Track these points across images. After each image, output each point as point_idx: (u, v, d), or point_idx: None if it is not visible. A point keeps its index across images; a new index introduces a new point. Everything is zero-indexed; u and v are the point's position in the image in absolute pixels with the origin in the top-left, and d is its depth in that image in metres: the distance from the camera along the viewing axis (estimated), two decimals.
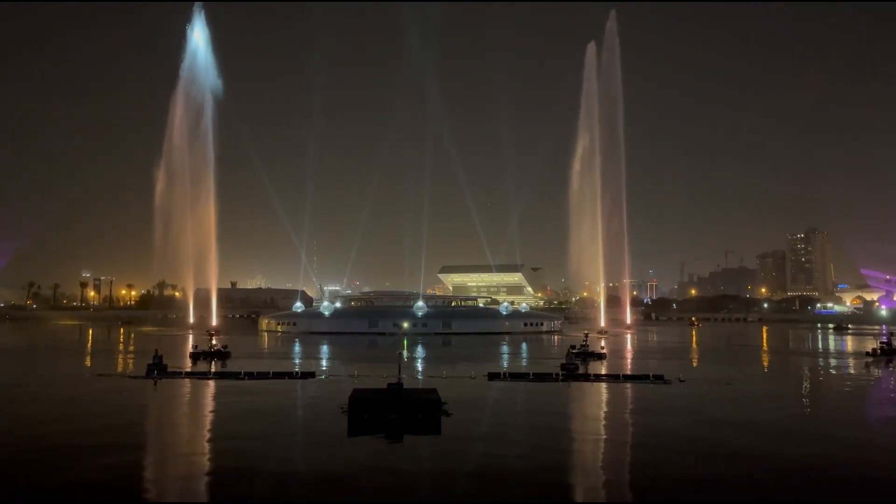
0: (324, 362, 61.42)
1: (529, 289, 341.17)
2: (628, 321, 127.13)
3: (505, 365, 58.60)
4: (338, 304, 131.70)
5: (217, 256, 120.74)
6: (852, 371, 56.06)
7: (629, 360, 63.59)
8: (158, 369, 45.42)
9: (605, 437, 27.82)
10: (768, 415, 32.79)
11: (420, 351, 73.48)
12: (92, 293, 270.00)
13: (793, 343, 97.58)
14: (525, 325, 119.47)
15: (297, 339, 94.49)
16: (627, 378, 44.78)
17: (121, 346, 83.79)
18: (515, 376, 45.41)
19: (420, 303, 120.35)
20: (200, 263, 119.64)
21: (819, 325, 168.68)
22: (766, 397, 40.30)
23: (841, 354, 75.87)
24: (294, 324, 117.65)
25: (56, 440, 25.28)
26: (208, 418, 31.89)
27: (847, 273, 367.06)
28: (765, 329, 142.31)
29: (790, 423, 30.65)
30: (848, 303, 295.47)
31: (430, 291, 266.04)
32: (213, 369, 49.86)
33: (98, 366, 56.85)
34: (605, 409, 35.60)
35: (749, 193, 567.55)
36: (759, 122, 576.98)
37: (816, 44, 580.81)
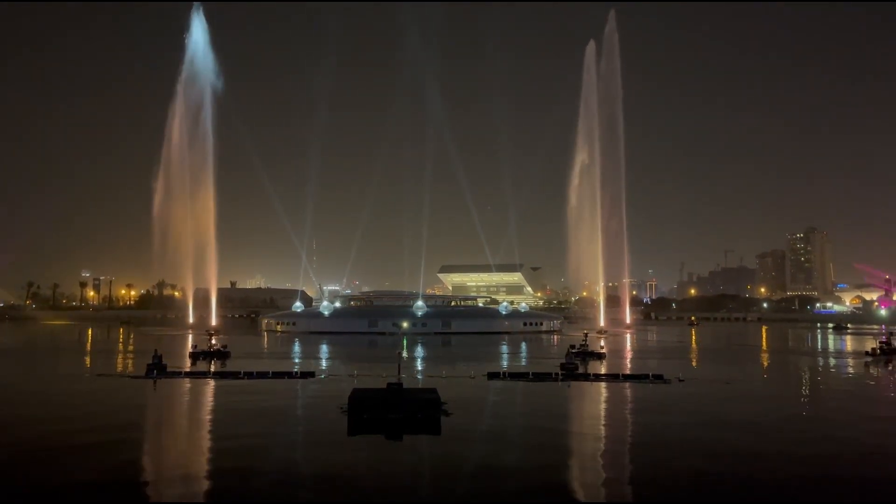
0: (323, 362, 61.42)
1: (529, 288, 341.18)
2: (628, 321, 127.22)
3: (504, 365, 58.59)
4: (337, 304, 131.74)
5: (216, 256, 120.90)
6: (852, 371, 56.07)
7: (629, 360, 63.60)
8: (158, 369, 45.39)
9: (604, 436, 27.81)
10: (768, 414, 32.77)
11: (420, 351, 73.46)
12: (91, 293, 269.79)
13: (792, 343, 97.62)
14: (524, 324, 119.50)
15: (296, 339, 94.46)
16: (627, 378, 44.80)
17: (120, 346, 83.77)
18: (515, 376, 45.42)
19: (420, 302, 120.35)
20: (200, 263, 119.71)
21: (818, 324, 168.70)
22: (766, 397, 40.34)
23: (840, 354, 75.87)
24: (294, 323, 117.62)
25: (55, 440, 25.25)
26: (207, 418, 31.87)
27: (846, 273, 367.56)
28: (764, 329, 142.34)
29: (790, 423, 30.68)
30: (847, 302, 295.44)
31: (429, 291, 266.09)
32: (212, 369, 49.85)
33: (98, 366, 56.82)
34: (604, 408, 35.61)
35: (749, 193, 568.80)
36: (760, 122, 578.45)
37: (816, 44, 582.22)
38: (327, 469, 21.68)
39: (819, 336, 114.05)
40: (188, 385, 42.32)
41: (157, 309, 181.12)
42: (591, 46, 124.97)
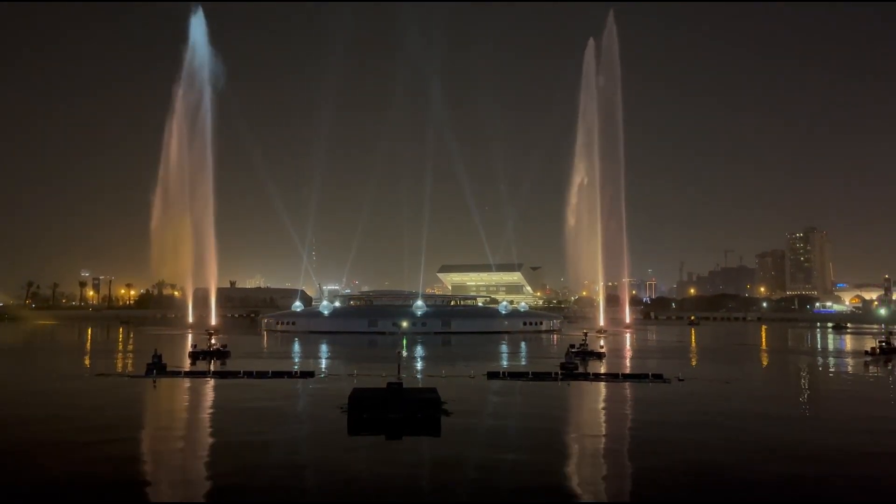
0: (323, 362, 61.42)
1: (529, 288, 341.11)
2: (627, 320, 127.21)
3: (504, 364, 58.62)
4: (337, 304, 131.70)
5: (216, 256, 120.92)
6: (851, 370, 56.09)
7: (628, 360, 63.62)
8: (158, 369, 45.40)
9: (604, 436, 27.82)
10: (768, 414, 32.82)
11: (419, 350, 73.46)
12: (91, 293, 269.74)
13: (792, 342, 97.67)
14: (524, 324, 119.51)
15: (296, 339, 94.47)
16: (627, 377, 44.81)
17: (120, 346, 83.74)
18: (515, 375, 45.42)
19: (419, 302, 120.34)
20: (199, 263, 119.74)
21: (818, 324, 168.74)
22: (766, 397, 40.34)
23: (840, 353, 75.91)
24: (293, 323, 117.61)
25: (55, 440, 25.29)
26: (207, 418, 31.86)
27: (846, 272, 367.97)
28: (764, 328, 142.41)
29: (790, 423, 30.68)
30: (847, 302, 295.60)
31: (429, 291, 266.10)
32: (212, 369, 49.82)
33: (97, 365, 56.76)
34: (603, 408, 35.60)
35: (748, 193, 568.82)
36: (760, 122, 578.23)
37: (816, 44, 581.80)
38: (327, 469, 21.68)
39: (819, 335, 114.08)
40: (188, 384, 42.32)
41: (156, 308, 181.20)
42: (590, 45, 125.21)
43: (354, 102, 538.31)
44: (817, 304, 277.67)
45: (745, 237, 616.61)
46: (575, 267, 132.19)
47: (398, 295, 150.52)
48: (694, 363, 61.53)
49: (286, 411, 33.99)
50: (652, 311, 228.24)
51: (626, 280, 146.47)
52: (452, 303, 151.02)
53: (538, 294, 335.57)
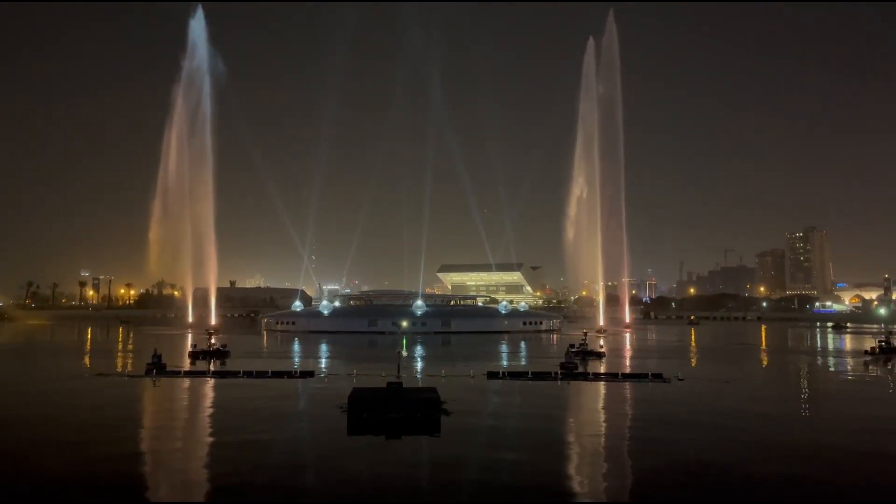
0: (323, 361, 61.42)
1: (528, 288, 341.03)
2: (627, 320, 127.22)
3: (504, 364, 58.59)
4: (337, 304, 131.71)
5: (216, 255, 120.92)
6: (851, 370, 56.10)
7: (628, 359, 63.62)
8: (157, 368, 45.40)
9: (603, 436, 27.82)
10: (768, 414, 32.80)
11: (419, 350, 73.46)
12: (91, 292, 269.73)
13: (792, 342, 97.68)
14: (524, 323, 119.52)
15: (296, 339, 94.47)
16: (626, 377, 44.81)
17: (119, 346, 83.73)
18: (514, 375, 45.40)
19: (419, 302, 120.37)
20: (199, 262, 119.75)
21: (818, 323, 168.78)
22: (766, 396, 40.33)
23: (840, 353, 75.91)
24: (293, 323, 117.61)
25: (55, 439, 25.29)
26: (206, 417, 31.84)
27: (846, 272, 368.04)
28: (764, 328, 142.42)
29: (790, 423, 30.71)
30: (847, 301, 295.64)
31: (428, 290, 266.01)
32: (211, 368, 49.81)
33: (97, 365, 56.73)
34: (603, 408, 35.62)
35: (748, 192, 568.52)
36: (760, 122, 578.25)
37: (816, 44, 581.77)
38: (327, 468, 21.68)
39: (818, 335, 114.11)
40: (188, 384, 42.32)
41: (156, 308, 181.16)
42: (590, 44, 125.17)
43: (354, 102, 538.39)
44: (817, 304, 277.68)
45: (745, 237, 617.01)
46: (575, 267, 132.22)
47: (398, 295, 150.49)
48: (694, 363, 61.51)
49: (286, 411, 33.97)
50: (652, 311, 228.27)
51: (625, 280, 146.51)
52: (452, 302, 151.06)
53: (538, 294, 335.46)
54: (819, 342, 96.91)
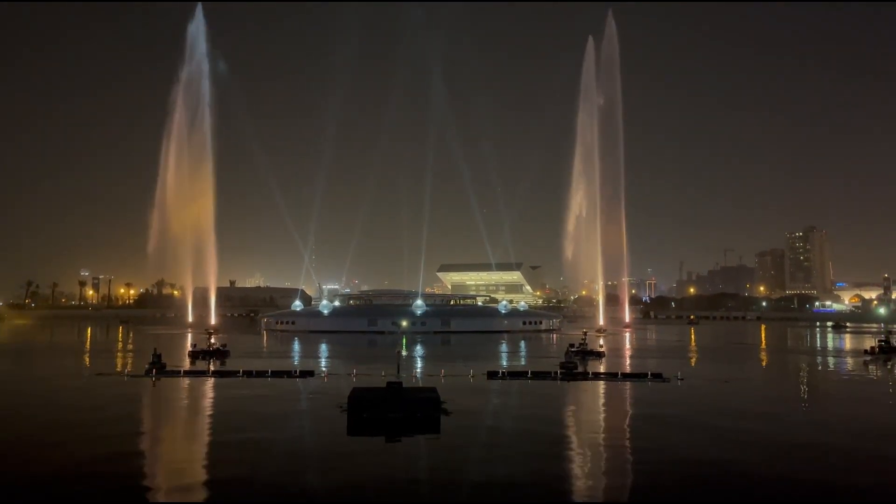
0: (323, 361, 61.38)
1: (528, 287, 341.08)
2: (627, 319, 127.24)
3: (504, 364, 58.52)
4: (337, 303, 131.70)
5: (216, 255, 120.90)
6: (851, 369, 56.11)
7: (628, 359, 63.62)
8: (157, 368, 45.38)
9: (603, 436, 27.80)
10: (768, 414, 32.81)
11: (419, 349, 73.44)
12: (90, 292, 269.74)
13: (791, 341, 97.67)
14: (524, 323, 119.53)
15: (296, 338, 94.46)
16: (626, 377, 44.80)
17: (119, 345, 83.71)
18: (514, 375, 45.34)
19: (419, 301, 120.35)
20: (199, 262, 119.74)
21: (818, 323, 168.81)
22: (766, 396, 40.29)
23: (839, 353, 75.91)
24: (293, 322, 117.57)
25: (55, 439, 25.26)
26: (206, 417, 31.84)
27: (846, 272, 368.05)
28: (763, 327, 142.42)
29: (789, 423, 30.69)
30: (846, 301, 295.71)
31: (428, 290, 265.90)
32: (211, 368, 49.79)
33: (97, 365, 56.79)
34: (603, 408, 35.62)
35: (748, 192, 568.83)
36: (759, 122, 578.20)
37: (816, 44, 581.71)
38: (326, 468, 21.67)
39: (818, 335, 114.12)
40: (187, 384, 42.30)
41: (156, 308, 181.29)
42: (589, 44, 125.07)
43: (355, 102, 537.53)
44: (817, 304, 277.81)
45: (745, 236, 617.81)
46: (574, 266, 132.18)
47: (398, 294, 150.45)
48: (693, 362, 61.51)
49: (285, 410, 33.92)
50: (651, 311, 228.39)
51: (625, 279, 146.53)
52: (452, 302, 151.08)
53: (538, 293, 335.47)
54: (819, 342, 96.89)
